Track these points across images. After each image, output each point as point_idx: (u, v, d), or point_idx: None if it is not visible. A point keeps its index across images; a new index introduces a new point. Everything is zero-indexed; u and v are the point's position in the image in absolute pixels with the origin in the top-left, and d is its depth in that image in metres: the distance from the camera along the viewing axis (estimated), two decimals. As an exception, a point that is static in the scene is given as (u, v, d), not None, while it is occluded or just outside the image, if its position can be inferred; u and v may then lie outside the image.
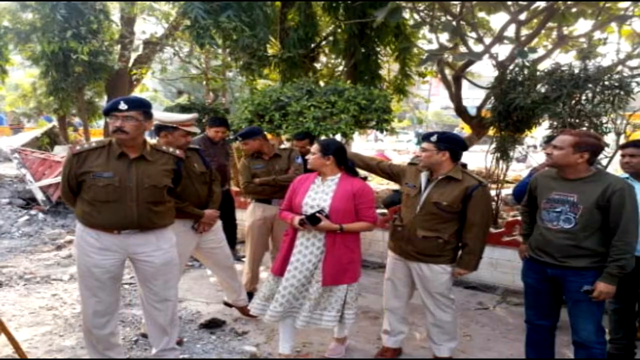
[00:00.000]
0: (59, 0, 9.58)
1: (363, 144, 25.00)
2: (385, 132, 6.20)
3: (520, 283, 3.12)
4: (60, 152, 9.83)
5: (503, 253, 4.90)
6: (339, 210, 3.01)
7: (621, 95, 4.74)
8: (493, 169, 6.23)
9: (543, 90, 5.13)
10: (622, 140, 4.94)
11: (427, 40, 10.06)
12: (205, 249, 3.65)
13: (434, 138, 3.04)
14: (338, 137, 5.16)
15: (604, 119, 4.87)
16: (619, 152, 3.60)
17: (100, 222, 2.75)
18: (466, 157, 3.43)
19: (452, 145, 3.02)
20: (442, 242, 3.03)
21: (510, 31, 7.58)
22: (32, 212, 7.61)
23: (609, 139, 5.34)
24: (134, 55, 12.22)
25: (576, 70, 4.94)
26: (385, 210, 5.79)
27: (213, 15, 6.14)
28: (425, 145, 3.06)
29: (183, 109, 7.49)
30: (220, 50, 8.66)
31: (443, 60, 8.54)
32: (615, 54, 7.53)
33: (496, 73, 5.97)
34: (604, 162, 4.89)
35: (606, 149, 4.53)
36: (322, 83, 7.99)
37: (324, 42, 8.81)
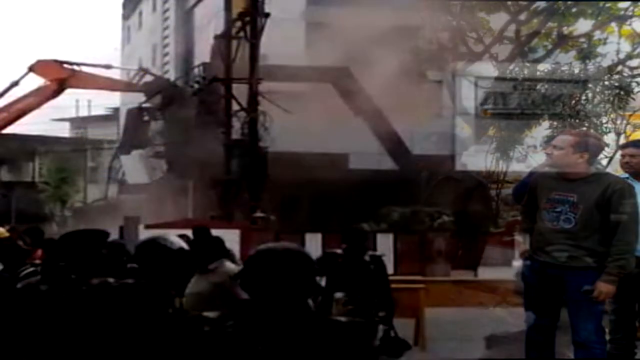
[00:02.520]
0: None
1: None
2: None
3: (519, 283, 3.11)
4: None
5: (503, 253, 4.89)
6: None
7: (621, 95, 4.74)
8: (493, 169, 6.22)
9: (543, 90, 5.13)
10: (622, 140, 4.94)
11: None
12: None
13: None
14: None
15: (604, 119, 4.87)
16: (619, 152, 3.60)
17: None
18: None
19: None
20: None
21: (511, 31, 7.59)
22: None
23: (609, 139, 5.34)
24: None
25: (576, 70, 4.93)
26: None
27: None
28: None
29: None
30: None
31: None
32: (615, 54, 7.54)
33: (496, 73, 5.97)
34: (604, 162, 4.89)
35: (606, 149, 4.53)
36: None
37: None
